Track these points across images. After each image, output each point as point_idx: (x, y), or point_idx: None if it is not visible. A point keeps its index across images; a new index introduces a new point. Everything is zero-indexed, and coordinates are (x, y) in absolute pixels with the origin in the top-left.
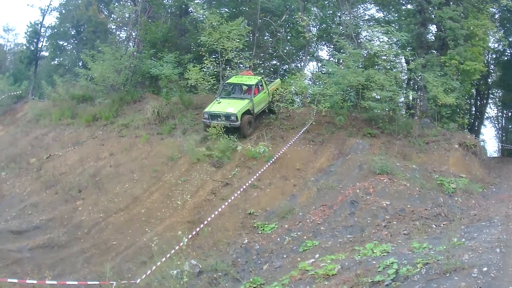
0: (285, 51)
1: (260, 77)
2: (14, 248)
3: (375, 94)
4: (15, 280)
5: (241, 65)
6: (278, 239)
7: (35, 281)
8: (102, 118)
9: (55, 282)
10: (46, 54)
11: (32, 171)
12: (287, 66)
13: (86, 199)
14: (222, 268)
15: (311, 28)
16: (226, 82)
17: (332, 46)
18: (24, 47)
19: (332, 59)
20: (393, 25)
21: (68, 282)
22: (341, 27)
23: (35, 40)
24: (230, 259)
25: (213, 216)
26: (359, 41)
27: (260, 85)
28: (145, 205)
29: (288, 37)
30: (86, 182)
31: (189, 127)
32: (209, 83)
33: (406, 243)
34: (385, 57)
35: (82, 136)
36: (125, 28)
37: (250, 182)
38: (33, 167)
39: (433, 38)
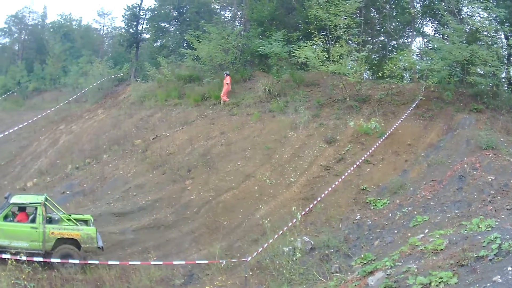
0: (392, 27)
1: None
2: (117, 230)
3: (479, 70)
4: (116, 262)
5: (350, 42)
6: (390, 215)
7: (138, 262)
8: (211, 97)
9: (160, 263)
10: (147, 36)
11: (137, 153)
12: (394, 42)
13: (196, 178)
14: (334, 244)
15: (415, 4)
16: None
17: (436, 22)
18: (123, 30)
19: (437, 34)
20: (491, 0)
21: (174, 262)
22: (443, 3)
23: (135, 23)
24: (342, 235)
25: (326, 192)
26: (461, 17)
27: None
28: (257, 182)
29: (394, 14)
30: (196, 162)
31: (301, 104)
32: (319, 60)
33: (509, 218)
34: (486, 33)
35: (191, 115)
36: (230, 8)
37: (363, 157)
38: (138, 149)
39: None
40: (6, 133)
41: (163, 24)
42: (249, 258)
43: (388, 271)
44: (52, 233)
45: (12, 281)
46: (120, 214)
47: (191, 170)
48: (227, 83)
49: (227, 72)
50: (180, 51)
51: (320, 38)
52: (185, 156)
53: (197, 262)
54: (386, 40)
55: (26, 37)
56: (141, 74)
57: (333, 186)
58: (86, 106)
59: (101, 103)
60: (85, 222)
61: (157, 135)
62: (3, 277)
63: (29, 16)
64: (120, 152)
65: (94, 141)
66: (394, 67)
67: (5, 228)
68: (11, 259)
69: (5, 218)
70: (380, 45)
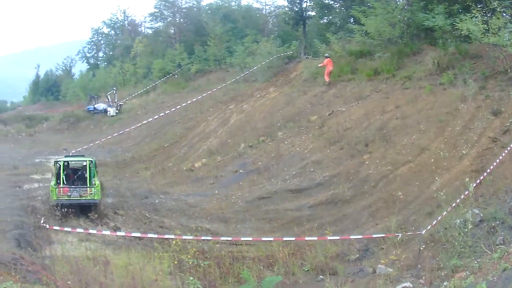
0: None
1: None
2: (293, 207)
3: None
4: (292, 238)
5: (504, 14)
6: None
7: (315, 238)
8: (383, 71)
9: (337, 237)
10: (313, 13)
11: (313, 129)
12: None
13: (373, 152)
14: (500, 216)
15: None
16: None
17: None
18: (287, 8)
19: None
20: None
21: (352, 236)
22: None
23: (298, 1)
24: (507, 207)
25: (495, 164)
26: None
27: None
28: (432, 155)
29: None
30: (373, 136)
31: (468, 76)
32: (480, 32)
33: None
34: None
35: (365, 90)
36: None
37: None
38: (315, 125)
39: None
40: (168, 112)
41: (327, 1)
42: (423, 232)
43: None
44: None
45: (175, 262)
46: (297, 191)
47: (368, 145)
48: (326, 65)
49: (327, 54)
50: (348, 27)
51: (478, 10)
52: (362, 130)
53: (373, 236)
54: None
55: (181, 20)
56: (311, 51)
57: (500, 158)
58: (256, 85)
59: (272, 81)
60: None
61: (333, 111)
62: (166, 258)
63: (181, 0)
64: (296, 129)
65: (267, 119)
66: None
67: None
68: (175, 239)
69: None
70: None
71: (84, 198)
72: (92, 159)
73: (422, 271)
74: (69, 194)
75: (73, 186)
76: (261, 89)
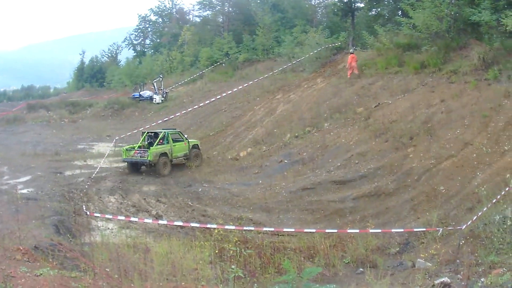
0: None
1: None
2: (336, 198)
3: None
4: (334, 230)
5: None
6: None
7: (356, 230)
8: (430, 65)
9: (379, 230)
10: (362, 5)
11: (359, 121)
12: None
13: (418, 146)
14: None
15: None
16: None
17: None
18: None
19: None
20: None
21: (393, 230)
22: None
23: None
24: None
25: None
26: None
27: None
28: (475, 150)
29: None
30: (418, 129)
31: None
32: None
33: None
34: None
35: (411, 83)
36: None
37: None
38: (361, 117)
39: None
40: (214, 99)
41: None
42: (464, 227)
43: None
44: None
45: (216, 251)
46: (341, 182)
47: (413, 138)
48: (349, 62)
49: (351, 50)
50: (396, 20)
51: None
52: (407, 123)
53: (415, 230)
54: None
55: (230, 9)
56: (359, 43)
57: None
58: (303, 76)
59: (320, 72)
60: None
61: (379, 103)
62: (207, 247)
63: None
64: (342, 120)
65: (314, 109)
66: None
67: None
68: (217, 228)
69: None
70: None
71: (140, 158)
72: (166, 131)
73: (460, 267)
74: (135, 155)
75: (139, 149)
76: (308, 80)
